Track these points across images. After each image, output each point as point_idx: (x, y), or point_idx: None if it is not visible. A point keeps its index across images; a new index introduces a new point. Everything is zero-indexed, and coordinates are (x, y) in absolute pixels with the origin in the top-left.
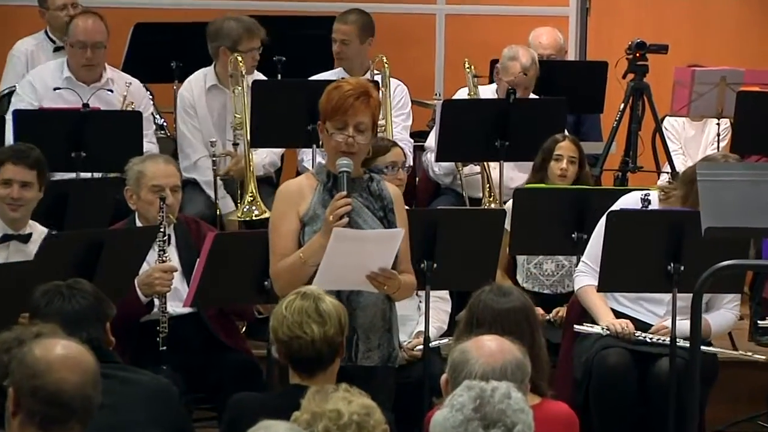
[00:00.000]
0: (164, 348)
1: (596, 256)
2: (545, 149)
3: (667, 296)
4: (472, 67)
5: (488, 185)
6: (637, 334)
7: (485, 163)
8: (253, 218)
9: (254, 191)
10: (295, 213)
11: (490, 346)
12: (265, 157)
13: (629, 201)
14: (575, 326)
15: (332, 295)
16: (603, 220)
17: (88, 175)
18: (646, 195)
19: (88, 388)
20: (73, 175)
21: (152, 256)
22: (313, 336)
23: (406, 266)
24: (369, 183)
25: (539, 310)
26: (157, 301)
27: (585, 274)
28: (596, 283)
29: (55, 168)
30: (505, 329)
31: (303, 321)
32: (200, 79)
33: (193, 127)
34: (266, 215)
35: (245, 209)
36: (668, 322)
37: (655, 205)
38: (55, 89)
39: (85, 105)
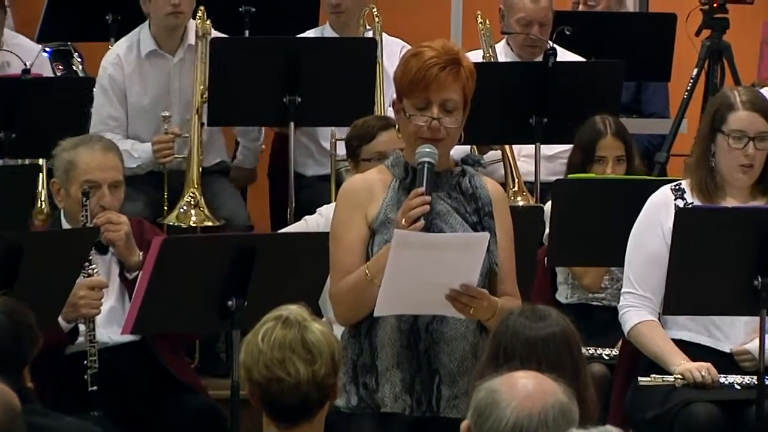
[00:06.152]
0: (94, 388)
1: (642, 277)
2: (584, 145)
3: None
4: (487, 21)
5: (511, 173)
6: (722, 379)
7: (506, 147)
8: (191, 224)
9: (196, 189)
10: (362, 217)
11: (526, 386)
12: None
13: (657, 198)
14: (640, 379)
15: (321, 322)
16: (637, 229)
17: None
18: (677, 184)
19: None
20: None
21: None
22: (298, 378)
23: (509, 287)
24: (460, 178)
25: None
26: (82, 327)
27: (635, 308)
28: (653, 318)
29: None
30: (541, 363)
31: (286, 357)
32: (132, 48)
33: (110, 117)
34: (209, 223)
35: (180, 212)
36: (751, 345)
37: (688, 196)
38: None
39: (26, 70)
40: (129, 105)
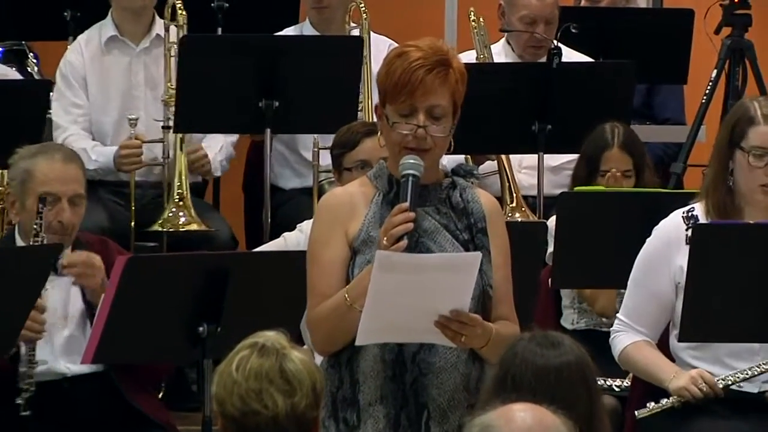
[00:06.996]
0: (27, 413)
1: (641, 311)
2: (589, 157)
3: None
4: (481, 19)
5: (509, 186)
6: (721, 384)
7: (502, 158)
8: (179, 229)
9: (185, 190)
10: (342, 235)
11: (525, 420)
12: (219, 149)
13: (668, 228)
14: (637, 413)
15: (301, 350)
16: (643, 259)
17: None
18: (689, 210)
19: None
20: None
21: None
22: (276, 411)
23: (506, 310)
24: (450, 191)
25: None
26: (24, 348)
27: (624, 333)
28: (643, 339)
29: None
30: (553, 394)
31: (263, 389)
32: (94, 36)
33: (72, 104)
34: (195, 227)
35: (169, 215)
36: None
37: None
38: None
39: None
40: (89, 96)
